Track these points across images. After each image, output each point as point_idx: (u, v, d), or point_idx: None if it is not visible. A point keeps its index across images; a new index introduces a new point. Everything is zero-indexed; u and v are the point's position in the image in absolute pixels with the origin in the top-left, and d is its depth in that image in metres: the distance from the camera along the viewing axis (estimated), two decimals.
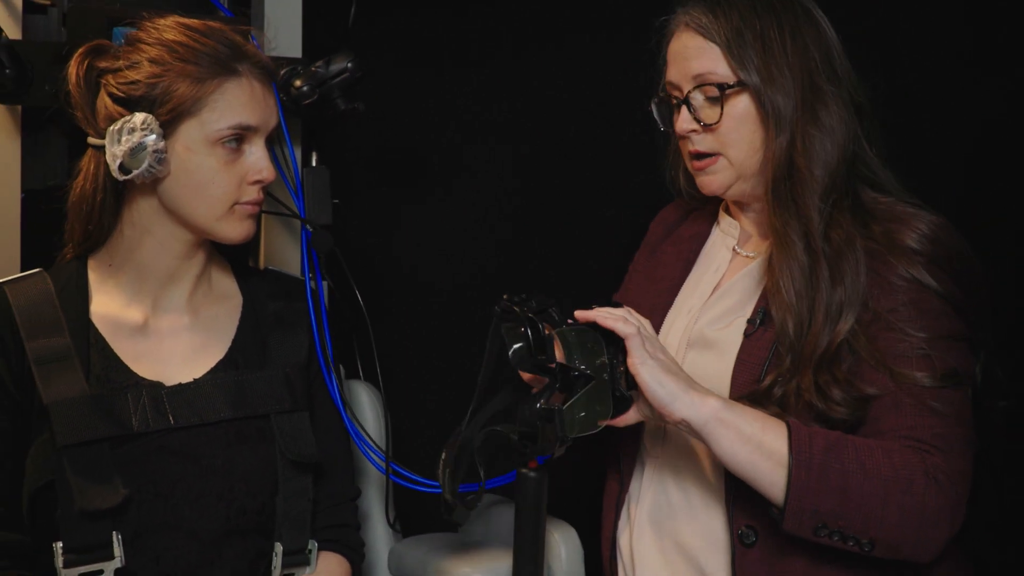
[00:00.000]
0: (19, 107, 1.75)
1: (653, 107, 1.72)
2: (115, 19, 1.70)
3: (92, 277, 1.65)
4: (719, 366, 1.62)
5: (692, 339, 1.68)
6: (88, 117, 1.61)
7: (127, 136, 1.55)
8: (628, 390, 1.51)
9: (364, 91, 1.88)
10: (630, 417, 1.55)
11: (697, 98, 1.63)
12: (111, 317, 1.63)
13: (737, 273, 1.70)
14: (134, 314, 1.64)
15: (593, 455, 1.75)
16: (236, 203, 1.62)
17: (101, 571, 1.53)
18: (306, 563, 1.68)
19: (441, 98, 2.47)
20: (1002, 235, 2.12)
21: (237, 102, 1.59)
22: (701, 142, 1.64)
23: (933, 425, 1.49)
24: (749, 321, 1.63)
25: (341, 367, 1.83)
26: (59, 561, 1.51)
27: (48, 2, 1.81)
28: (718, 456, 1.50)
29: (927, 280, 1.54)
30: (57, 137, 1.78)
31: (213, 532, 1.59)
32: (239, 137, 1.60)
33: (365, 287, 1.92)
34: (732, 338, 1.63)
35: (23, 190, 1.77)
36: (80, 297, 1.63)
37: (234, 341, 1.70)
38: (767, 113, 1.59)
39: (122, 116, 1.57)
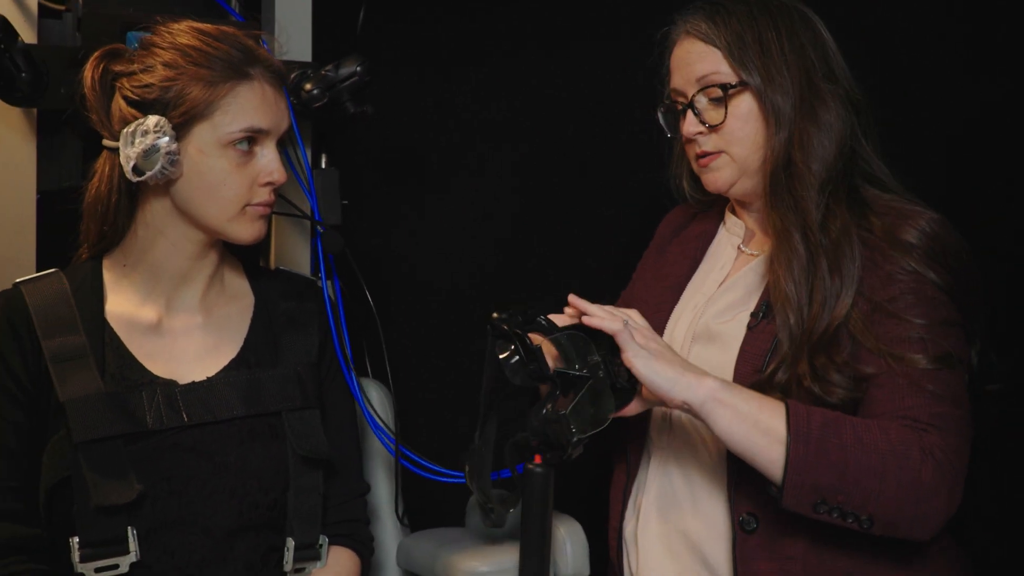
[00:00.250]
0: (35, 110, 1.75)
1: (659, 116, 1.75)
2: (129, 24, 1.70)
3: (107, 277, 1.65)
4: (723, 358, 1.63)
5: (697, 332, 1.69)
6: (103, 120, 1.61)
7: (141, 138, 1.55)
8: (628, 381, 1.52)
9: (372, 94, 1.88)
10: (635, 406, 1.56)
11: (701, 101, 1.66)
12: (126, 316, 1.63)
13: (741, 269, 1.72)
14: (148, 313, 1.64)
15: (599, 450, 1.75)
16: (247, 204, 1.62)
17: (116, 565, 1.53)
18: (317, 557, 1.68)
19: (445, 100, 2.47)
20: (999, 233, 2.12)
21: (249, 105, 1.59)
22: (707, 143, 1.66)
23: (929, 405, 1.51)
24: (752, 314, 1.64)
25: (352, 364, 1.83)
26: (75, 555, 1.52)
27: (63, 7, 1.81)
28: (717, 435, 1.51)
29: (925, 272, 1.56)
30: (72, 139, 1.77)
31: (226, 527, 1.59)
32: (251, 140, 1.60)
33: (373, 286, 1.91)
34: (736, 331, 1.65)
35: (39, 191, 1.77)
36: (95, 296, 1.63)
37: (246, 340, 1.70)
38: (768, 111, 1.62)
39: (136, 119, 1.57)
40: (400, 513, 1.94)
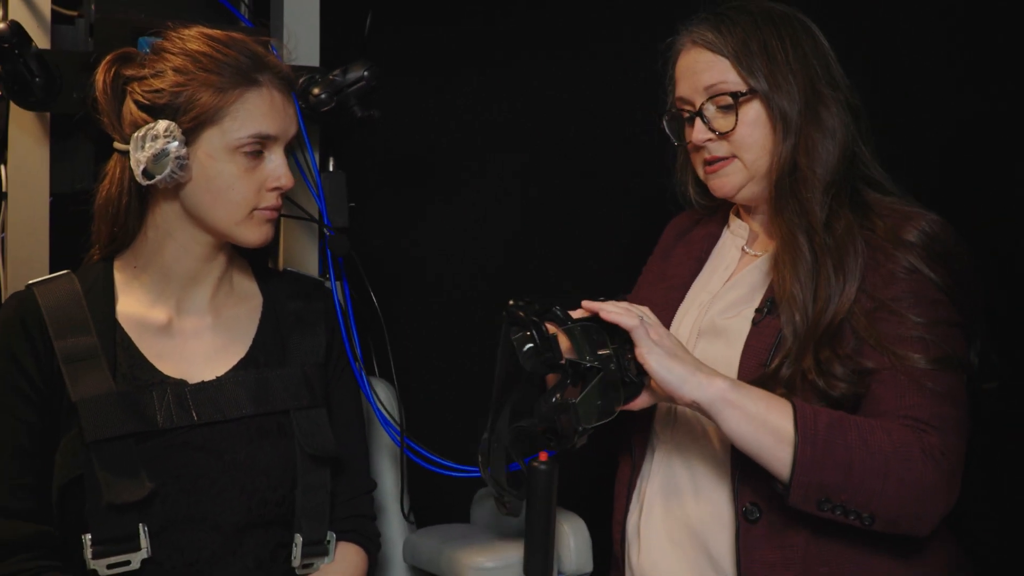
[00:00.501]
0: (48, 114, 1.75)
1: (664, 124, 1.75)
2: (140, 29, 1.69)
3: (118, 278, 1.65)
4: (728, 352, 1.64)
5: (703, 328, 1.70)
6: (114, 123, 1.61)
7: (151, 143, 1.55)
8: (637, 375, 1.52)
9: (379, 98, 1.87)
10: (642, 400, 1.57)
11: (710, 109, 1.66)
12: (136, 317, 1.63)
13: (745, 269, 1.73)
14: (159, 314, 1.64)
15: (604, 445, 1.75)
16: (255, 208, 1.62)
17: (128, 562, 1.53)
18: (325, 553, 1.68)
19: (450, 104, 2.47)
20: (999, 234, 2.12)
21: (258, 112, 1.59)
22: (716, 149, 1.68)
23: (930, 405, 1.52)
24: (757, 310, 1.65)
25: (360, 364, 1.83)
26: (88, 552, 1.51)
27: (76, 13, 1.81)
28: (726, 434, 1.52)
29: (926, 272, 1.58)
30: (85, 142, 1.77)
31: (235, 524, 1.59)
32: (259, 145, 1.60)
33: (378, 287, 1.91)
34: (740, 326, 1.66)
35: (52, 194, 1.77)
36: (106, 298, 1.63)
37: (255, 340, 1.70)
38: (775, 118, 1.64)
39: (146, 123, 1.57)
40: (406, 510, 1.94)
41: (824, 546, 1.56)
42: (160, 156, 1.55)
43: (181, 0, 1.86)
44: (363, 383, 1.81)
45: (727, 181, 1.69)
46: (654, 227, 1.96)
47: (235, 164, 1.59)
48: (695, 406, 1.51)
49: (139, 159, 1.55)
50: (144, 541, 1.53)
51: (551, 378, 1.58)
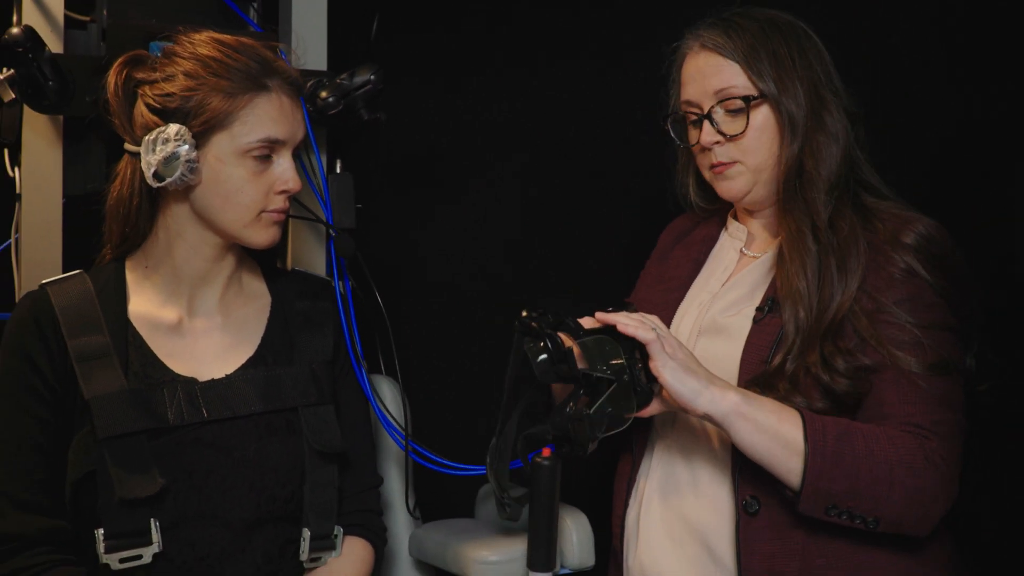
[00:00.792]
0: (61, 117, 1.75)
1: (669, 127, 1.76)
2: (151, 34, 1.69)
3: (130, 278, 1.65)
4: (729, 350, 1.65)
5: (704, 326, 1.71)
6: (125, 125, 1.61)
7: (161, 146, 1.55)
8: (648, 383, 1.53)
9: (385, 101, 1.88)
10: (653, 408, 1.57)
11: (718, 112, 1.67)
12: (148, 316, 1.63)
13: (744, 270, 1.74)
14: (169, 314, 1.64)
15: (604, 443, 1.75)
16: (263, 211, 1.62)
17: (140, 556, 1.53)
18: (332, 547, 1.68)
19: (454, 106, 2.47)
20: (1000, 234, 2.12)
21: (267, 117, 1.59)
22: (723, 152, 1.68)
23: (930, 412, 1.55)
24: (758, 309, 1.66)
25: (364, 362, 1.83)
26: (101, 547, 1.52)
27: (88, 18, 1.81)
28: (738, 445, 1.53)
29: (923, 274, 1.59)
30: (97, 145, 1.78)
31: (245, 519, 1.59)
32: (268, 149, 1.60)
33: (384, 287, 1.91)
34: (741, 324, 1.67)
35: (64, 196, 1.77)
36: (118, 297, 1.63)
37: (263, 339, 1.70)
38: (783, 122, 1.65)
39: (157, 126, 1.57)
40: (411, 507, 1.94)
41: (822, 538, 1.57)
42: (171, 159, 1.55)
43: (191, 5, 1.86)
44: (365, 385, 1.80)
45: (735, 184, 1.70)
46: (654, 228, 1.96)
47: (244, 168, 1.59)
48: (707, 418, 1.52)
49: (150, 162, 1.55)
50: (156, 536, 1.53)
51: (556, 386, 1.58)
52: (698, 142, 1.69)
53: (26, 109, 1.72)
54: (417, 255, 2.48)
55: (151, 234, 1.65)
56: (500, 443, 1.54)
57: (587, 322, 1.57)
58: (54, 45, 1.72)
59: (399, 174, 2.46)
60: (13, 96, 1.68)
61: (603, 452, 1.80)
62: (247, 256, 1.74)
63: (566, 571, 1.82)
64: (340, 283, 1.82)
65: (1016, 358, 1.82)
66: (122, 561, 1.52)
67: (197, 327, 1.66)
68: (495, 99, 2.48)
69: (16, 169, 1.77)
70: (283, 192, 1.62)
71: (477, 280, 2.50)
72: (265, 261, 1.79)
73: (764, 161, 1.67)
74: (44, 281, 1.62)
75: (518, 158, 2.49)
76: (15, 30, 1.61)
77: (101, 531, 1.51)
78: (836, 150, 1.65)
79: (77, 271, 1.65)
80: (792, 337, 1.59)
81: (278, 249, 1.81)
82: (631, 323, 1.52)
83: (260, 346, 1.69)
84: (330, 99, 1.81)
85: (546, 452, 1.53)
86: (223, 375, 1.63)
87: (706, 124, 1.68)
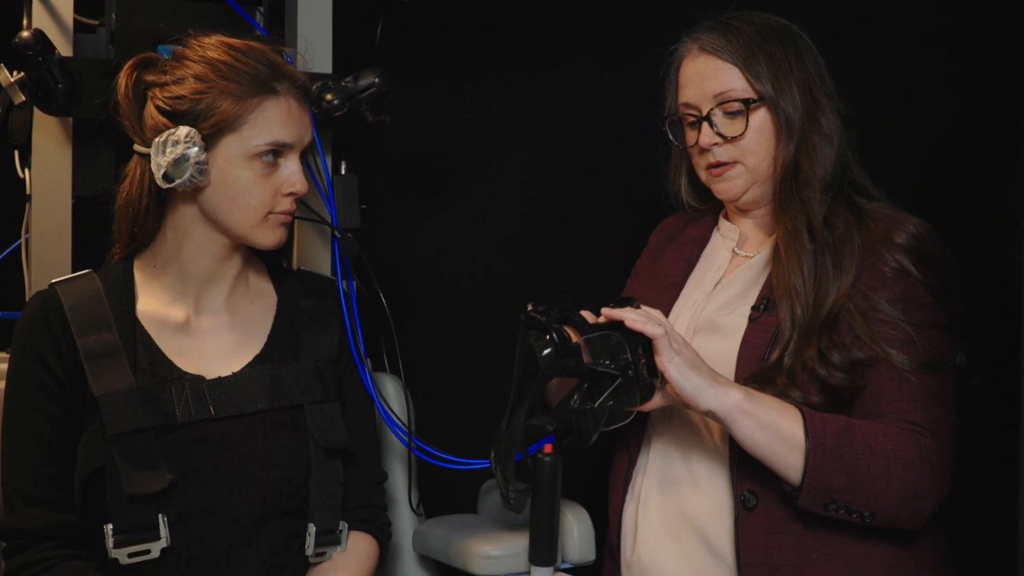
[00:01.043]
0: (70, 119, 1.76)
1: (667, 129, 1.77)
2: (160, 38, 1.70)
3: (138, 277, 1.66)
4: (725, 348, 1.66)
5: (699, 325, 1.72)
6: (135, 126, 1.61)
7: (171, 148, 1.56)
8: (651, 378, 1.54)
9: (389, 104, 1.88)
10: (655, 402, 1.57)
11: (717, 114, 1.68)
12: (156, 315, 1.63)
13: (737, 269, 1.75)
14: (177, 312, 1.65)
15: (604, 437, 1.75)
16: (270, 212, 1.62)
17: (148, 551, 1.53)
18: (337, 542, 1.69)
19: (456, 108, 2.47)
20: (999, 234, 2.12)
21: (275, 120, 1.59)
22: (722, 153, 1.70)
23: (925, 409, 1.57)
24: (753, 307, 1.67)
25: (368, 360, 1.84)
26: (109, 542, 1.52)
27: (97, 22, 1.82)
28: (739, 442, 1.54)
29: (915, 273, 1.61)
30: (106, 146, 1.78)
31: (251, 515, 1.59)
32: (275, 152, 1.60)
33: (388, 286, 1.92)
34: (737, 322, 1.67)
35: (74, 197, 1.78)
36: (127, 296, 1.63)
37: (269, 337, 1.70)
38: (780, 124, 1.67)
39: (167, 128, 1.57)
40: (415, 503, 1.95)
41: (819, 532, 1.58)
42: (180, 161, 1.55)
43: (199, 9, 1.87)
44: (369, 383, 1.80)
45: (732, 185, 1.71)
46: (653, 227, 1.96)
47: (252, 170, 1.59)
48: (710, 414, 1.53)
49: (160, 163, 1.56)
50: (164, 531, 1.53)
51: (553, 380, 1.59)
52: (696, 143, 1.70)
53: (36, 111, 1.73)
54: (418, 254, 2.49)
55: (159, 234, 1.65)
56: (506, 436, 1.54)
57: (590, 316, 1.57)
58: (63, 48, 1.73)
59: (399, 174, 2.47)
60: (23, 99, 1.69)
61: (603, 446, 1.81)
62: (254, 256, 1.75)
63: (567, 566, 1.82)
64: (344, 283, 1.83)
65: (1006, 355, 1.82)
66: (130, 556, 1.52)
67: (204, 325, 1.66)
68: (494, 99, 2.49)
69: (26, 170, 1.77)
70: (290, 194, 1.63)
71: (477, 279, 2.50)
72: (271, 261, 1.79)
73: (761, 161, 1.69)
74: (54, 280, 1.62)
75: (517, 157, 2.50)
76: (25, 34, 1.62)
77: (110, 526, 1.52)
78: (831, 151, 1.67)
79: (86, 271, 1.65)
80: (789, 333, 1.60)
81: (284, 249, 1.81)
82: (639, 319, 1.52)
83: (266, 344, 1.69)
84: (335, 102, 1.81)
85: (548, 448, 1.53)
86: (230, 373, 1.63)
87: (705, 126, 1.68)
